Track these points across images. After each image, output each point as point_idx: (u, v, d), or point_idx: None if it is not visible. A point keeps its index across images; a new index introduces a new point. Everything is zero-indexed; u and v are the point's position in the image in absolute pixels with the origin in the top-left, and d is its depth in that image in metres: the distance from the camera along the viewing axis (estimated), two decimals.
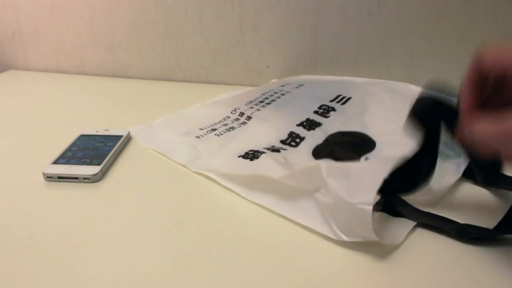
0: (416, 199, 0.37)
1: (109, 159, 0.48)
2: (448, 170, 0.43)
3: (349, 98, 0.59)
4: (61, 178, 0.45)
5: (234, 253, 0.34)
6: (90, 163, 0.47)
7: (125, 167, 0.49)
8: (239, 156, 0.47)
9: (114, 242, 0.36)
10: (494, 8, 0.67)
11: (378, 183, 0.32)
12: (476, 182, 0.43)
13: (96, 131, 0.55)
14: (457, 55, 0.71)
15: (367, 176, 0.34)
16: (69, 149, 0.50)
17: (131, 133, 0.56)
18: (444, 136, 0.48)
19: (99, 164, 0.47)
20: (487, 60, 0.31)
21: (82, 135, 0.54)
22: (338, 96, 0.60)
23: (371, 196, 0.31)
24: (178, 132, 0.56)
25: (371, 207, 0.31)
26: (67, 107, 0.69)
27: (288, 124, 0.54)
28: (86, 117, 0.64)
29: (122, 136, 0.54)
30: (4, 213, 0.40)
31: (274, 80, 0.76)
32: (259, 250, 0.34)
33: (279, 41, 0.77)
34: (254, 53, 0.79)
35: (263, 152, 0.47)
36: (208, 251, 0.34)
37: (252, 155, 0.47)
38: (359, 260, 0.33)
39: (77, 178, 0.45)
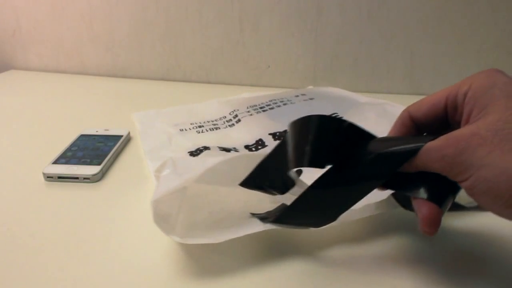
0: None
1: (109, 159, 0.48)
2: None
3: (340, 118, 0.56)
4: (61, 178, 0.45)
5: (232, 253, 0.34)
6: (90, 163, 0.47)
7: (125, 167, 0.49)
8: (188, 152, 0.48)
9: (114, 242, 0.36)
10: (494, 8, 0.68)
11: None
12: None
13: (96, 131, 0.55)
14: (457, 55, 0.72)
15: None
16: (69, 149, 0.50)
17: (136, 116, 0.59)
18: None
19: (99, 164, 0.47)
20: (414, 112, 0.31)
21: (82, 135, 0.54)
22: (332, 114, 0.57)
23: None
24: (172, 122, 0.57)
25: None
26: (67, 107, 0.69)
27: (262, 132, 0.53)
28: (86, 117, 0.64)
29: (122, 136, 0.54)
30: (4, 213, 0.40)
31: (310, 87, 0.74)
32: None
33: (279, 41, 0.77)
34: (254, 53, 0.79)
35: (209, 149, 0.47)
36: (208, 251, 0.34)
37: (199, 151, 0.47)
38: None
39: (77, 178, 0.45)
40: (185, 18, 0.79)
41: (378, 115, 0.55)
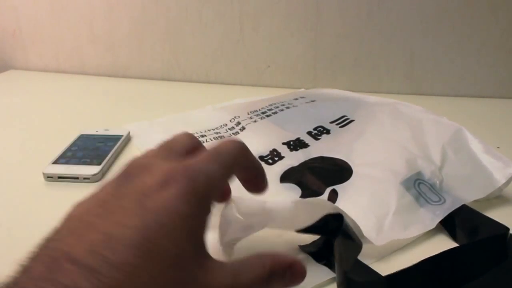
0: (365, 247, 0.32)
1: (109, 159, 0.48)
2: (420, 217, 0.37)
3: (351, 121, 0.53)
4: (61, 178, 0.45)
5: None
6: (90, 163, 0.47)
7: None
8: None
9: None
10: (494, 8, 0.68)
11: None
12: (455, 239, 0.36)
13: (96, 131, 0.55)
14: (457, 55, 0.72)
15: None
16: (69, 149, 0.50)
17: (129, 129, 0.57)
18: (430, 178, 0.41)
19: (99, 164, 0.47)
20: None
21: (82, 135, 0.54)
22: (342, 117, 0.55)
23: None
24: (171, 132, 0.55)
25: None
26: (67, 107, 0.69)
27: (274, 141, 0.50)
28: (86, 117, 0.64)
29: (122, 136, 0.54)
30: (4, 213, 0.40)
31: (302, 89, 0.73)
32: None
33: (279, 41, 0.77)
34: (254, 53, 0.79)
35: None
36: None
37: None
38: None
39: (77, 178, 0.45)
40: (185, 18, 0.79)
41: (392, 117, 0.52)
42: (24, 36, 0.87)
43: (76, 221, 0.22)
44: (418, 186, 0.40)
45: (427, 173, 0.41)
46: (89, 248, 0.19)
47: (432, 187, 0.40)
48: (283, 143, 0.49)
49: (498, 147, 0.53)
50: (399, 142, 0.46)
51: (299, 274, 0.24)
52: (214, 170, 0.24)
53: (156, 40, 0.81)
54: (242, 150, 0.27)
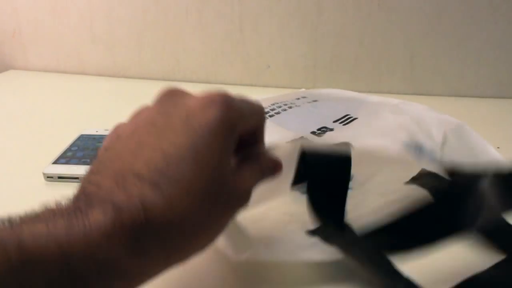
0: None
1: None
2: (423, 163, 0.41)
3: (354, 119, 0.54)
4: (61, 178, 0.45)
5: None
6: (90, 163, 0.47)
7: None
8: None
9: None
10: (494, 8, 0.68)
11: None
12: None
13: (96, 131, 0.55)
14: (457, 55, 0.72)
15: None
16: (69, 149, 0.50)
17: None
18: (430, 152, 0.43)
19: None
20: None
21: (82, 135, 0.54)
22: (345, 116, 0.55)
23: None
24: None
25: None
26: (67, 107, 0.69)
27: (278, 141, 0.51)
28: (86, 117, 0.64)
29: None
30: (4, 213, 0.40)
31: (302, 90, 0.73)
32: None
33: (279, 41, 0.77)
34: (254, 53, 0.79)
35: None
36: (208, 250, 0.34)
37: None
38: None
39: (77, 178, 0.45)
40: (185, 18, 0.79)
41: (395, 115, 0.53)
42: (24, 37, 0.87)
43: (128, 140, 0.25)
44: (419, 152, 0.42)
45: (427, 146, 0.43)
46: (148, 164, 0.22)
47: (431, 157, 0.42)
48: (286, 142, 0.50)
49: (498, 147, 0.53)
50: (400, 125, 0.49)
51: (279, 168, 0.32)
52: (243, 107, 0.27)
53: (156, 40, 0.82)
54: (263, 114, 0.31)
